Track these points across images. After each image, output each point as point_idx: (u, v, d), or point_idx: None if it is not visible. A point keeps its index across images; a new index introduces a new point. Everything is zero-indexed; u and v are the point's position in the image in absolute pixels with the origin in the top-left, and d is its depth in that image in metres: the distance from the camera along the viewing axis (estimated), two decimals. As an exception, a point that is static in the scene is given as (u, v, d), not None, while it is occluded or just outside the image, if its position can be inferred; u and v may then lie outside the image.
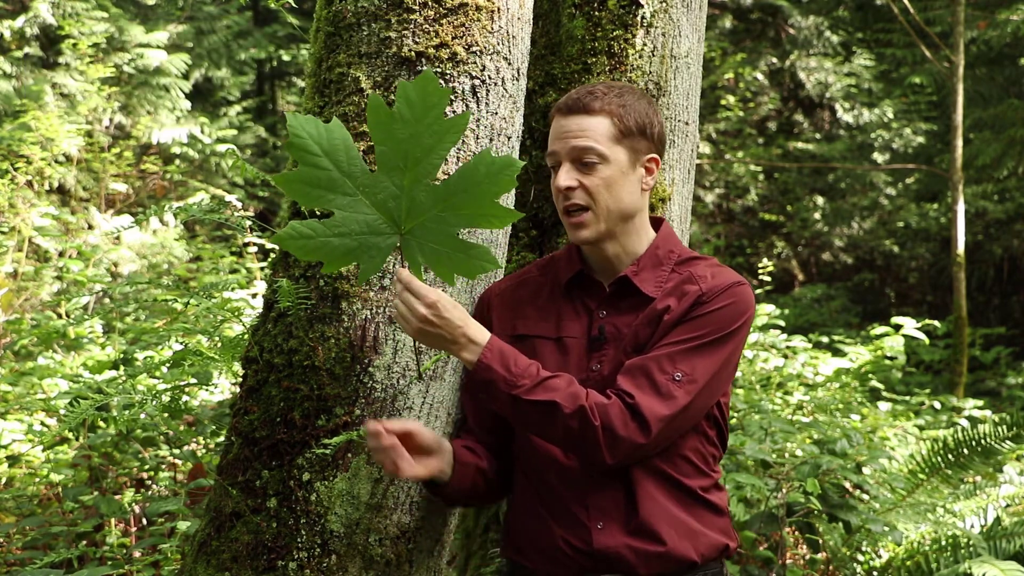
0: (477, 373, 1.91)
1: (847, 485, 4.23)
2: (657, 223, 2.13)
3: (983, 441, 4.30)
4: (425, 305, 1.88)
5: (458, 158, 2.13)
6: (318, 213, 2.12)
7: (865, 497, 4.50)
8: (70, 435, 4.16)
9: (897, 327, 7.14)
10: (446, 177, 2.01)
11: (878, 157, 13.00)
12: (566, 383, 1.92)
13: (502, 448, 2.13)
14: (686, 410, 1.94)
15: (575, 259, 2.10)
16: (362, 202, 1.87)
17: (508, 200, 2.27)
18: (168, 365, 2.57)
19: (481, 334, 1.93)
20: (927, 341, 7.39)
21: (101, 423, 4.08)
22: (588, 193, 2.00)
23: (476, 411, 2.14)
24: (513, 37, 2.21)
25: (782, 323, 7.84)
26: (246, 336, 2.25)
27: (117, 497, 3.73)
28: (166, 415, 4.06)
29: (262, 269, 6.31)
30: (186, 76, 10.09)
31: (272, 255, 2.45)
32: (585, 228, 2.02)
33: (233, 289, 4.23)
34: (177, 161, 9.93)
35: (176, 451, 4.31)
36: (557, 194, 2.03)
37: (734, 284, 2.00)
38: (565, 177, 2.01)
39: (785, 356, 7.26)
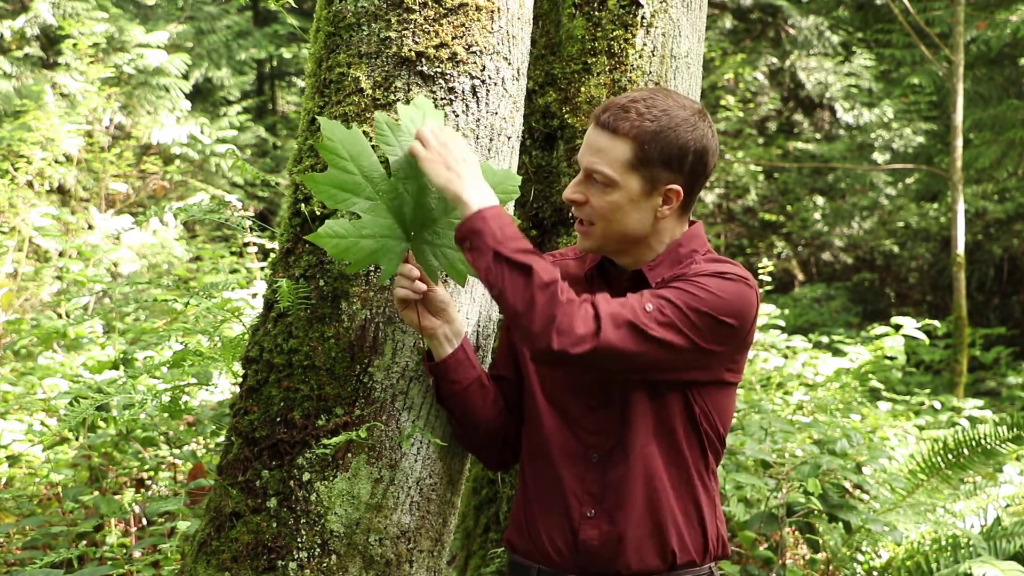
0: (471, 220, 1.91)
1: (847, 485, 4.24)
2: (690, 225, 2.10)
3: (983, 441, 4.30)
4: (456, 139, 1.96)
5: (458, 158, 2.14)
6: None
7: (865, 497, 4.51)
8: (70, 435, 4.16)
9: (897, 327, 7.14)
10: None
11: (878, 157, 13.01)
12: (550, 262, 1.93)
13: (516, 417, 2.13)
14: (645, 339, 1.87)
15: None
16: (381, 206, 1.99)
17: (508, 206, 2.27)
18: (168, 365, 2.56)
19: (492, 194, 1.95)
20: (927, 341, 7.39)
21: (101, 423, 4.08)
22: (593, 211, 2.00)
23: (507, 361, 2.16)
24: (513, 37, 2.21)
25: (782, 323, 7.84)
26: (246, 336, 2.25)
27: (117, 497, 3.72)
28: (166, 415, 4.07)
29: (262, 269, 6.31)
30: (186, 76, 10.09)
31: (272, 255, 2.45)
32: (586, 239, 2.04)
33: (233, 289, 4.23)
34: (177, 161, 9.93)
35: (176, 451, 4.31)
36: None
37: (724, 271, 1.94)
38: (572, 189, 2.01)
39: (785, 356, 7.26)
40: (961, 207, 9.36)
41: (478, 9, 2.15)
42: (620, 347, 1.86)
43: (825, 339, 8.93)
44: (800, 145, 14.35)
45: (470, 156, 1.97)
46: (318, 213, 2.12)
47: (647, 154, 1.95)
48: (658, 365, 1.92)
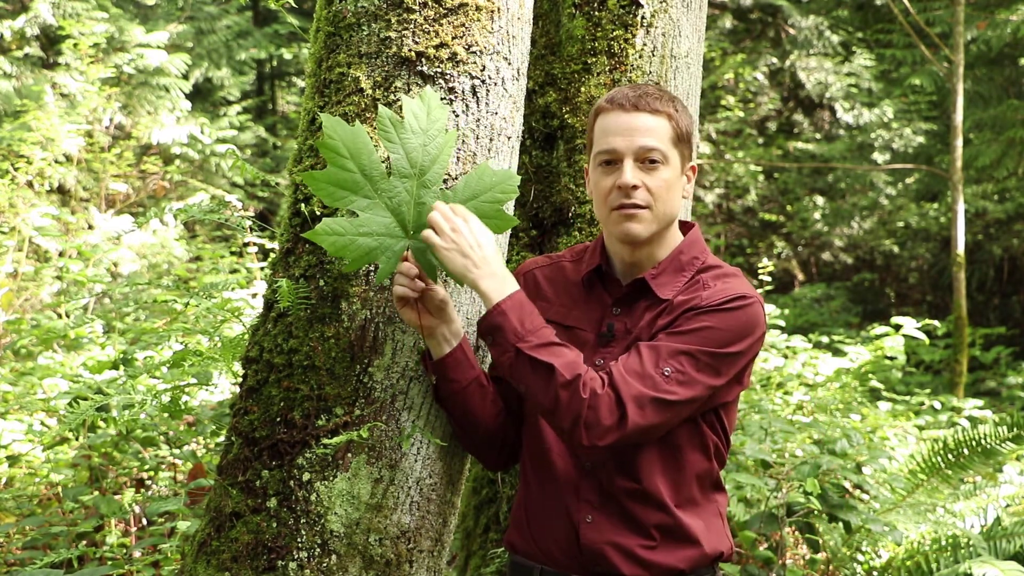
0: (491, 316, 1.92)
1: (847, 485, 4.23)
2: (687, 228, 2.12)
3: (983, 441, 4.30)
4: (468, 221, 1.94)
5: (458, 158, 2.14)
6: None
7: (865, 497, 4.51)
8: (70, 435, 4.16)
9: (897, 327, 7.15)
10: (453, 183, 2.08)
11: (878, 157, 13.01)
12: (573, 354, 1.92)
13: (515, 417, 2.14)
14: (670, 408, 1.91)
15: (596, 254, 2.11)
16: (380, 205, 1.99)
17: (508, 205, 2.27)
18: (168, 365, 2.56)
19: (510, 280, 1.95)
20: (927, 341, 7.40)
21: (101, 423, 4.08)
22: (650, 193, 2.00)
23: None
24: (513, 37, 2.21)
25: (782, 323, 7.84)
26: (246, 336, 2.25)
27: (117, 497, 3.72)
28: (166, 415, 4.07)
29: (262, 269, 6.32)
30: (186, 76, 10.10)
31: (272, 255, 2.45)
32: (640, 223, 2.01)
33: (233, 289, 4.23)
34: (177, 161, 9.93)
35: (176, 451, 4.31)
36: (610, 191, 2.01)
37: (735, 297, 1.96)
38: (631, 175, 1.99)
39: (785, 356, 7.27)
40: (961, 207, 9.35)
41: (478, 9, 2.15)
42: (648, 425, 1.90)
43: (825, 339, 8.93)
44: (800, 145, 14.35)
45: (483, 237, 1.95)
46: (318, 213, 2.12)
47: (681, 130, 2.03)
48: (685, 416, 1.96)
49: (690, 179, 2.08)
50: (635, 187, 1.99)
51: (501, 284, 1.94)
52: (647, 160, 1.99)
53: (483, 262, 1.93)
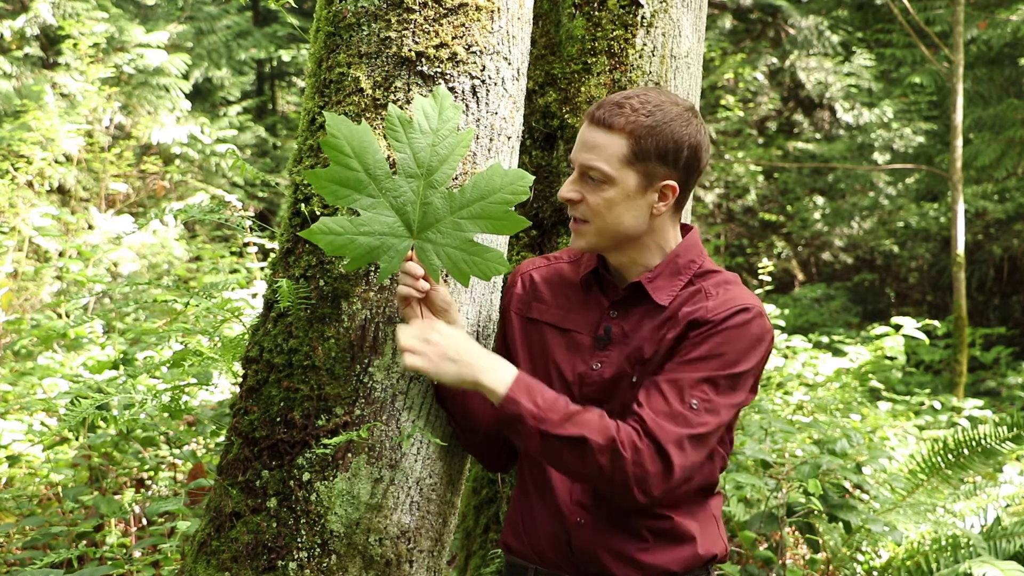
0: (505, 408, 1.89)
1: (847, 485, 4.23)
2: (685, 231, 2.10)
3: (983, 441, 4.30)
4: (432, 323, 1.92)
5: (458, 158, 2.14)
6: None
7: (865, 497, 4.51)
8: (70, 435, 4.16)
9: (897, 327, 7.15)
10: (461, 184, 2.07)
11: (878, 157, 13.01)
12: (597, 416, 1.89)
13: None
14: (706, 440, 1.91)
15: (594, 257, 2.10)
16: (383, 204, 1.97)
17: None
18: (168, 365, 2.56)
19: (507, 365, 1.92)
20: (927, 341, 7.40)
21: (101, 423, 4.08)
22: (588, 208, 1.98)
23: None
24: (513, 37, 2.21)
25: (782, 323, 7.85)
26: (246, 336, 2.25)
27: (117, 497, 3.73)
28: (166, 415, 4.07)
29: (262, 269, 6.31)
30: (186, 76, 10.10)
31: (272, 255, 2.45)
32: (581, 239, 2.02)
33: (233, 289, 4.23)
34: (177, 161, 9.94)
35: (176, 451, 4.31)
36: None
37: (739, 311, 1.93)
38: (567, 188, 2.00)
39: (785, 356, 7.27)
40: (961, 207, 9.36)
41: (478, 9, 2.15)
42: (693, 463, 1.90)
43: (825, 339, 8.94)
44: (800, 145, 14.35)
45: (453, 330, 1.94)
46: (318, 213, 2.12)
47: (643, 149, 1.94)
48: (716, 441, 1.97)
49: (665, 197, 1.98)
50: (571, 200, 2.00)
51: (500, 372, 1.91)
52: (588, 175, 1.98)
53: (470, 356, 1.91)
